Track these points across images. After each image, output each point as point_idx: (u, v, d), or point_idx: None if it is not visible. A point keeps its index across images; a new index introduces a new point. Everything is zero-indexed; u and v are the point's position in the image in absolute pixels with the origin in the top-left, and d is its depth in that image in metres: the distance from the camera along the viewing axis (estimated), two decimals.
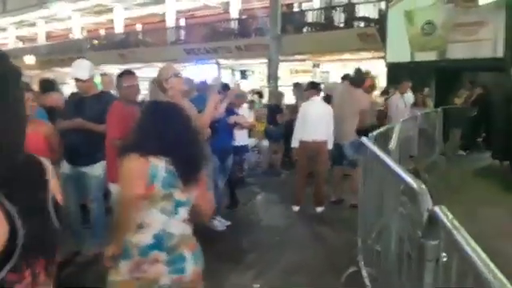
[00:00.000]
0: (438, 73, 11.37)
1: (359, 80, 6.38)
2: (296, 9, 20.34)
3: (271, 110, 8.75)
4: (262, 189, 7.23)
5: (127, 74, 3.83)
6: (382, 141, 4.33)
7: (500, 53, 10.34)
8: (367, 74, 7.26)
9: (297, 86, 8.76)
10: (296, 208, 5.90)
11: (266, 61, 16.07)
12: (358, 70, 6.48)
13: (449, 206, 1.67)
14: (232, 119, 5.37)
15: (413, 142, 7.46)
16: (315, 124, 5.73)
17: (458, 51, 10.90)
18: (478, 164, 8.76)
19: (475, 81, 10.83)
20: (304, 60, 18.10)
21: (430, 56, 11.44)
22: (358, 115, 5.99)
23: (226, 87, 6.19)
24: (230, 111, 5.44)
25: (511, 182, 6.91)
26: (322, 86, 6.74)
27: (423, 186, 2.03)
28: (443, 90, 10.91)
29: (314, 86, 6.11)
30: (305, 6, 19.72)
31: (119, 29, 25.30)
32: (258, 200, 6.68)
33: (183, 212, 2.08)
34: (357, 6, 15.90)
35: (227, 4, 21.95)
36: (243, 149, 6.72)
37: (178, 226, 2.06)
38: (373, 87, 7.12)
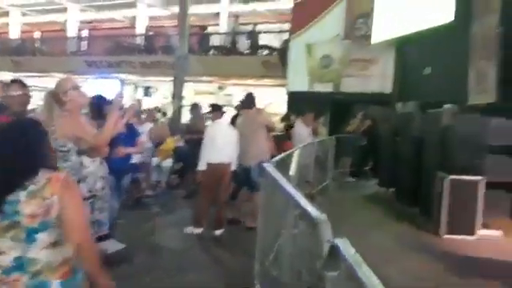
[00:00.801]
0: (333, 103, 12.14)
1: (248, 102, 6.58)
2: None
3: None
4: (161, 209, 7.06)
5: (15, 82, 3.70)
6: (283, 166, 4.49)
7: (388, 89, 11.37)
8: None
9: (194, 106, 8.80)
10: (197, 230, 5.84)
11: (172, 79, 15.95)
12: (249, 94, 6.74)
13: (337, 231, 1.74)
14: (120, 151, 5.12)
15: (309, 167, 7.83)
16: (222, 146, 5.79)
17: (352, 85, 11.80)
18: (365, 191, 9.40)
19: (366, 113, 11.73)
20: (210, 82, 18.27)
21: (327, 87, 12.23)
22: (262, 135, 6.18)
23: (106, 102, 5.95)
24: (131, 129, 5.28)
25: (395, 209, 7.50)
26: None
27: (324, 216, 2.07)
28: (337, 119, 11.67)
29: (217, 109, 6.22)
30: (212, 29, 20.02)
31: (15, 34, 23.60)
32: (156, 221, 6.50)
33: (43, 238, 1.95)
34: (261, 34, 16.55)
35: (134, 19, 21.52)
36: (143, 166, 6.54)
37: (40, 253, 1.95)
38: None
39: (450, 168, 5.90)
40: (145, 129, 7.60)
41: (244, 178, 6.15)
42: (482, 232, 5.70)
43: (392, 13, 10.37)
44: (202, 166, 5.86)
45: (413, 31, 9.50)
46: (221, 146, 5.78)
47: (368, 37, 11.23)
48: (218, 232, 5.82)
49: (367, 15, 11.32)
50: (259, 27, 17.71)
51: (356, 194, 8.94)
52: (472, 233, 5.66)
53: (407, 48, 10.71)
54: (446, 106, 6.69)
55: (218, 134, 5.85)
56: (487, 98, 7.19)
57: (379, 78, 11.46)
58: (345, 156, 10.30)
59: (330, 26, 12.07)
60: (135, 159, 5.99)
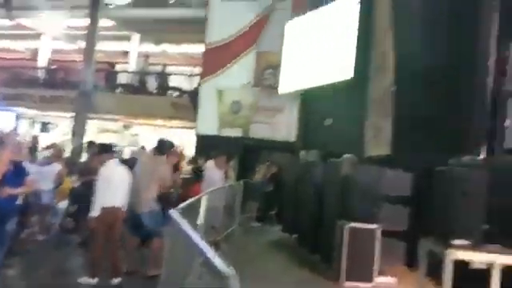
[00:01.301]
0: (241, 148, 12.30)
1: (162, 149, 6.45)
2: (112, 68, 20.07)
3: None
4: (53, 256, 6.47)
5: None
6: (191, 211, 4.36)
7: (293, 137, 11.81)
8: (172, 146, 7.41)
9: (90, 145, 8.42)
10: (92, 280, 5.40)
11: (73, 115, 15.20)
12: (162, 141, 6.63)
13: (242, 278, 1.69)
14: (5, 192, 4.70)
15: (218, 212, 7.74)
16: (115, 189, 5.53)
17: (260, 131, 12.12)
18: (270, 236, 9.45)
19: (272, 159, 12.02)
20: (116, 120, 17.68)
21: (236, 132, 12.41)
22: (157, 183, 6.00)
23: None
24: (18, 167, 4.87)
25: (298, 256, 7.59)
26: (127, 149, 6.69)
27: (233, 271, 2.03)
28: (245, 164, 11.80)
29: (106, 150, 6.00)
30: (120, 67, 19.62)
31: None
32: (47, 270, 5.92)
33: None
34: (172, 75, 16.55)
35: (35, 51, 20.40)
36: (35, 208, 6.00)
37: None
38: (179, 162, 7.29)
39: (349, 216, 6.13)
40: (52, 169, 7.13)
41: (134, 224, 5.89)
42: (378, 279, 5.93)
43: (298, 67, 10.96)
44: (95, 211, 5.52)
45: (316, 85, 10.08)
46: (114, 188, 5.52)
47: (275, 87, 11.71)
48: (115, 281, 5.44)
49: (275, 67, 11.84)
50: (169, 69, 17.71)
51: (261, 240, 8.95)
52: (370, 280, 5.86)
53: (311, 99, 11.30)
54: (346, 156, 7.05)
55: (112, 176, 5.59)
56: (383, 150, 7.74)
57: (285, 126, 11.90)
58: (251, 201, 10.38)
59: (240, 73, 12.42)
60: (20, 200, 5.46)
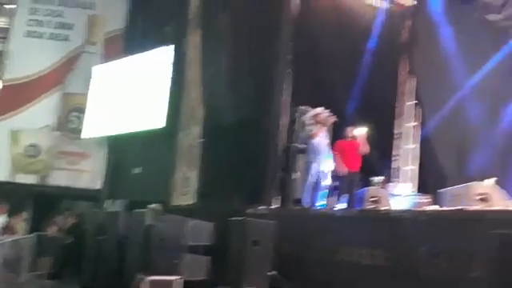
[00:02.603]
0: (38, 197, 11.08)
1: None
2: None
3: None
4: None
5: None
6: None
7: (98, 185, 11.15)
8: None
9: None
10: None
11: None
12: None
13: None
14: None
15: None
16: None
17: (61, 178, 11.12)
18: None
19: (74, 209, 11.10)
20: None
21: (32, 179, 11.18)
22: None
23: None
24: None
25: None
26: None
27: None
28: (42, 215, 10.62)
29: None
30: None
31: None
32: None
33: None
34: None
35: None
36: None
37: None
38: None
39: (151, 268, 5.96)
40: None
41: None
42: None
43: (106, 112, 10.59)
44: None
45: (125, 131, 9.85)
46: None
47: (80, 130, 11.05)
48: None
49: (81, 109, 11.22)
50: None
51: None
52: None
53: (120, 146, 10.94)
54: (151, 205, 6.95)
55: None
56: (189, 200, 7.86)
57: (90, 174, 11.19)
58: (45, 256, 9.29)
59: (41, 114, 11.38)
60: None
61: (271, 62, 7.70)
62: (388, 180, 9.39)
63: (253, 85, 7.64)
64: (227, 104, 7.76)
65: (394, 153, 9.79)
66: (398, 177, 9.66)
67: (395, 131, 9.83)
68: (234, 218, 5.15)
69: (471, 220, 4.03)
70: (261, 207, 6.77)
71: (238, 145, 7.55)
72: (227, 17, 8.03)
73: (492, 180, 6.90)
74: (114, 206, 9.85)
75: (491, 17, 10.24)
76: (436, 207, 6.20)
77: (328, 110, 7.31)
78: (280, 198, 7.59)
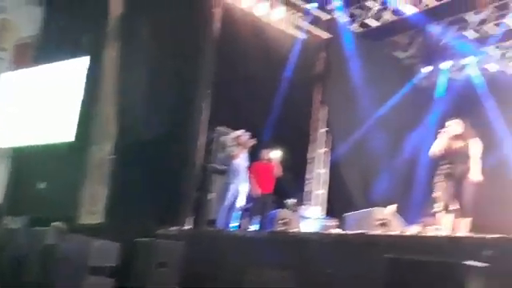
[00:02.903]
0: None
1: None
2: None
3: None
4: None
5: None
6: None
7: None
8: None
9: None
10: None
11: None
12: None
13: None
14: None
15: None
16: None
17: None
18: None
19: None
20: None
21: None
22: None
23: None
24: None
25: None
26: None
27: None
28: None
29: None
30: None
31: None
32: None
33: None
34: None
35: None
36: None
37: None
38: None
39: None
40: None
41: None
42: None
43: (13, 120, 9.90)
44: None
45: (31, 143, 9.25)
46: None
47: None
48: None
49: None
50: None
51: None
52: None
53: (24, 159, 10.22)
54: (54, 223, 6.55)
55: None
56: (97, 219, 7.51)
57: None
58: None
59: None
60: None
61: (191, 81, 7.70)
62: (301, 203, 9.71)
63: (171, 102, 7.57)
64: (143, 120, 7.60)
65: (307, 176, 10.15)
66: (310, 200, 10.00)
67: (308, 156, 10.21)
68: (140, 239, 5.00)
69: (368, 244, 4.27)
70: (172, 228, 6.66)
71: (153, 163, 7.39)
72: (148, 31, 7.91)
73: (393, 206, 7.40)
74: (14, 222, 9.13)
75: (398, 54, 11.14)
76: (339, 231, 6.50)
77: (248, 133, 7.42)
78: (194, 218, 7.54)
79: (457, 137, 5.33)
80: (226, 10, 8.44)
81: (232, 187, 7.16)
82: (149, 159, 7.39)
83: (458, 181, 5.22)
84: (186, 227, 7.04)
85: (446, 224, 5.17)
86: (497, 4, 8.88)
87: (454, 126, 5.38)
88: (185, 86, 7.73)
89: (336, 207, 9.28)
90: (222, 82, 7.97)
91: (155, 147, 7.41)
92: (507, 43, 10.27)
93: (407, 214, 8.67)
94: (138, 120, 7.63)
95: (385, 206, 7.39)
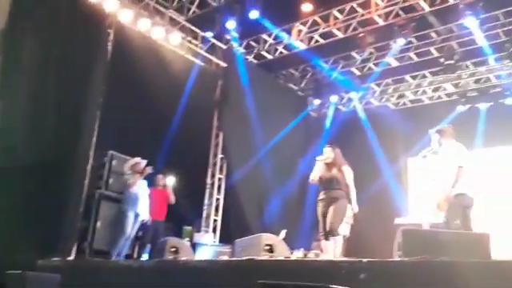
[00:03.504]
0: None
1: None
2: None
3: None
4: None
5: None
6: None
7: None
8: None
9: None
10: None
11: None
12: None
13: None
14: None
15: None
16: None
17: None
18: None
19: None
20: None
21: None
22: None
23: None
24: None
25: None
26: None
27: None
28: None
29: None
30: None
31: None
32: None
33: None
34: None
35: None
36: None
37: None
38: None
39: None
40: None
41: None
42: None
43: None
44: None
45: None
46: None
47: None
48: None
49: None
50: None
51: None
52: None
53: None
54: None
55: None
56: None
57: None
58: None
59: None
60: None
61: (80, 102, 7.34)
62: (198, 229, 9.62)
63: (57, 124, 7.11)
64: (24, 143, 7.03)
65: (205, 202, 10.10)
66: (208, 226, 9.95)
67: (207, 182, 10.20)
68: (11, 271, 4.58)
69: (254, 269, 4.34)
70: (55, 258, 6.20)
71: (35, 189, 6.84)
72: (35, 47, 7.41)
73: (283, 232, 7.64)
74: None
75: (293, 85, 11.72)
76: (225, 257, 6.55)
77: (145, 160, 7.23)
78: (79, 247, 7.09)
79: (330, 164, 5.63)
80: (121, 31, 8.25)
81: (129, 215, 6.90)
82: (30, 184, 6.83)
83: (329, 206, 5.43)
84: (70, 257, 6.59)
85: (326, 249, 5.40)
86: (376, 45, 9.77)
87: (327, 153, 5.68)
88: (73, 108, 7.32)
89: (231, 233, 9.32)
90: (114, 105, 7.71)
91: (39, 171, 6.87)
92: (386, 81, 11.40)
93: (298, 238, 9.00)
94: (19, 142, 7.05)
95: (277, 231, 7.61)
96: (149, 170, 7.23)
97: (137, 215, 7.01)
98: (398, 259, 3.55)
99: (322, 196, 5.58)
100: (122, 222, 6.90)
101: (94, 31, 7.75)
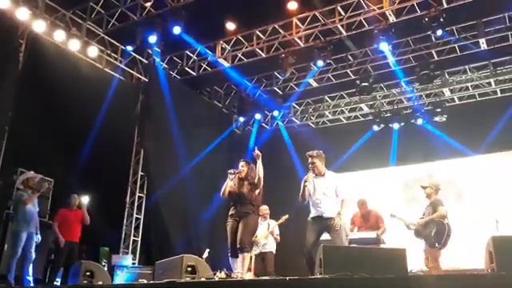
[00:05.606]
0: None
1: None
2: None
3: None
4: None
5: None
6: None
7: None
8: None
9: None
10: None
11: None
12: None
13: None
14: None
15: None
16: None
17: None
18: None
19: None
20: None
21: None
22: None
23: None
24: None
25: None
26: None
27: None
28: None
29: None
30: None
31: None
32: None
33: None
34: None
35: None
36: None
37: None
38: None
39: None
40: None
41: None
42: None
43: None
44: None
45: None
46: None
47: None
48: None
49: None
50: None
51: None
52: None
53: None
54: None
55: None
56: None
57: None
58: None
59: None
60: None
61: None
62: (117, 250, 9.17)
63: None
64: None
65: (124, 222, 9.66)
66: (127, 247, 9.53)
67: (126, 200, 9.78)
68: None
69: None
70: None
71: None
72: None
73: (206, 251, 7.49)
74: None
75: (217, 103, 11.70)
76: (144, 281, 6.29)
77: (40, 175, 6.73)
78: None
79: (243, 179, 5.48)
80: (35, 43, 7.77)
81: (23, 236, 6.35)
82: None
83: (239, 221, 5.29)
84: None
85: (234, 266, 5.30)
86: (297, 66, 10.05)
87: (241, 168, 5.59)
88: None
89: (153, 254, 8.99)
90: (25, 120, 7.19)
91: None
92: (306, 100, 11.80)
93: (223, 258, 8.85)
94: None
95: (202, 251, 7.45)
96: (47, 185, 6.77)
97: (31, 234, 6.49)
98: (320, 276, 3.58)
99: (231, 211, 5.47)
100: (15, 242, 6.33)
101: (4, 41, 7.23)
